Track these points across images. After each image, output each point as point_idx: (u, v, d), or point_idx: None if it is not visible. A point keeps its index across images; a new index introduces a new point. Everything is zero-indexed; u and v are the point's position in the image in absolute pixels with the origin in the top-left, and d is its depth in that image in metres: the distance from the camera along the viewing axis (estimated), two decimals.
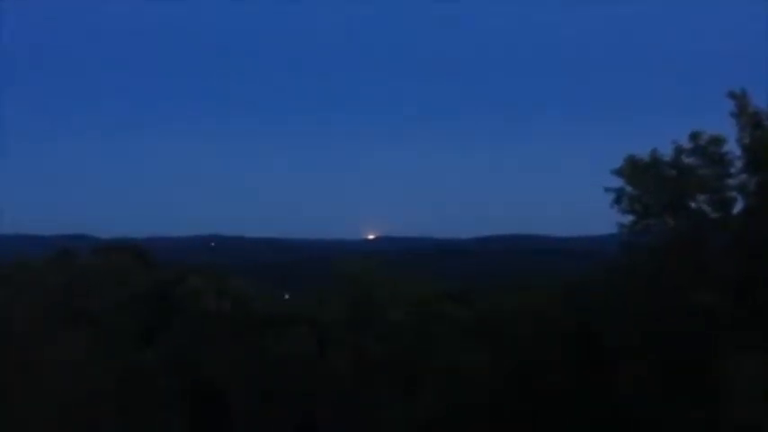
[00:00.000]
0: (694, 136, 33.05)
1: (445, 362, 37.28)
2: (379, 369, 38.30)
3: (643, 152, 33.67)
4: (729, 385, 28.72)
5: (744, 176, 32.66)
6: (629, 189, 33.72)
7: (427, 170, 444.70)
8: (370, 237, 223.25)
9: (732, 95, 32.38)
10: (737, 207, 33.01)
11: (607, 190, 33.97)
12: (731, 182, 32.84)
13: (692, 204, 33.34)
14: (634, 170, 33.61)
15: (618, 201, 33.84)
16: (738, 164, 32.63)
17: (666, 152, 33.45)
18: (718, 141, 32.77)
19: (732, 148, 32.59)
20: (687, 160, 33.23)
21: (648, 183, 33.42)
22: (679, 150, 33.25)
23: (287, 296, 53.54)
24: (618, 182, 33.89)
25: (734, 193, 32.87)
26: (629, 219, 33.88)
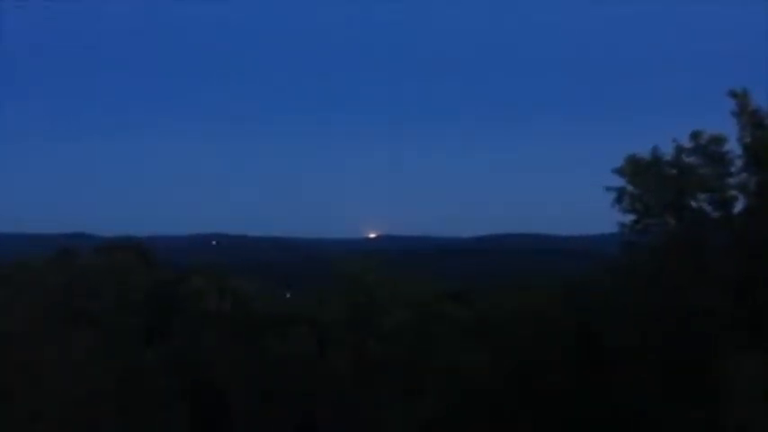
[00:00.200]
0: (695, 135, 33.04)
1: (445, 362, 37.21)
2: (379, 369, 38.25)
3: (644, 151, 33.75)
4: (729, 385, 28.62)
5: (744, 176, 32.63)
6: (629, 188, 33.70)
7: (427, 170, 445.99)
8: (372, 235, 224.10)
9: (733, 94, 32.35)
10: (738, 206, 33.01)
11: (608, 189, 34.00)
12: (732, 181, 32.83)
13: (693, 203, 33.31)
14: (635, 169, 33.59)
15: (619, 200, 33.82)
16: (739, 163, 32.64)
17: (667, 151, 33.53)
18: (718, 140, 32.75)
19: (733, 147, 32.69)
20: (688, 159, 33.21)
21: (649, 182, 33.38)
22: (680, 149, 33.23)
23: (288, 295, 53.50)
24: (619, 181, 33.98)
25: (734, 193, 32.83)
26: (629, 218, 33.92)
